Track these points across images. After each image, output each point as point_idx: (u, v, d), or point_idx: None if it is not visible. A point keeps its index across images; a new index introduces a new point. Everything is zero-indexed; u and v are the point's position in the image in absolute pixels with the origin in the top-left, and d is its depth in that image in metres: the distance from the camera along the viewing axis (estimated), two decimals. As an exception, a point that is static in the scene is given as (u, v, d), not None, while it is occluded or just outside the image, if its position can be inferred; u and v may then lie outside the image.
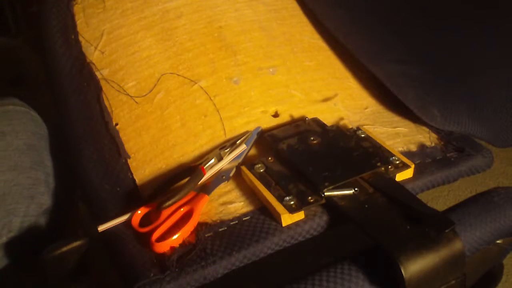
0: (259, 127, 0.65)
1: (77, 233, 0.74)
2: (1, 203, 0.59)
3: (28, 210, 0.61)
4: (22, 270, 0.61)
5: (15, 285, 0.61)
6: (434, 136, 0.66)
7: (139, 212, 0.55)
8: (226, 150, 0.61)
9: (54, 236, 0.65)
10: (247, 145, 0.62)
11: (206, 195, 0.56)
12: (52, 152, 0.68)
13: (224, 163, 0.59)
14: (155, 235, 0.52)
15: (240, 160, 0.60)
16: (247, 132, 0.65)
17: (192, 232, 0.53)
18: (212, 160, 0.59)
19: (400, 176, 0.58)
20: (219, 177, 0.59)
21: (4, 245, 0.59)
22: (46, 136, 0.69)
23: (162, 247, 0.51)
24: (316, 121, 0.66)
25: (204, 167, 0.58)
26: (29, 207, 0.61)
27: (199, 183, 0.57)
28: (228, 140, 0.64)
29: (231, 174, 0.59)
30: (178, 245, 0.52)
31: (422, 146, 0.64)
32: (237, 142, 0.62)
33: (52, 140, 0.69)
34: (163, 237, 0.52)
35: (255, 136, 0.64)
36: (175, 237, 0.51)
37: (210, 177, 0.58)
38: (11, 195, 0.60)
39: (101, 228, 0.54)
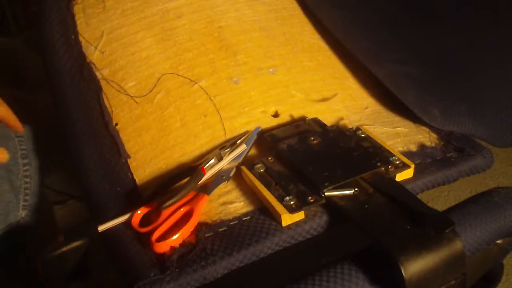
0: (259, 127, 0.65)
1: (58, 236, 0.74)
2: None
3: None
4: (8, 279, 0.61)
5: None
6: (434, 136, 0.66)
7: (139, 212, 0.55)
8: (226, 150, 0.61)
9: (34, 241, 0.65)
10: (247, 145, 0.62)
11: (206, 195, 0.56)
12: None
13: (224, 163, 0.59)
14: (155, 235, 0.52)
15: (240, 160, 0.60)
16: (247, 132, 0.65)
17: (192, 232, 0.53)
18: (212, 160, 0.59)
19: (400, 176, 0.58)
20: (219, 177, 0.59)
21: None
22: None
23: (162, 247, 0.51)
24: (316, 121, 0.66)
25: (204, 167, 0.58)
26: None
27: (199, 183, 0.57)
28: (228, 140, 0.64)
29: (231, 174, 0.59)
30: (178, 245, 0.52)
31: (422, 146, 0.64)
32: (237, 142, 0.62)
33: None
34: (163, 237, 0.52)
35: (255, 136, 0.64)
36: (175, 237, 0.51)
37: (210, 177, 0.58)
38: None
39: (101, 228, 0.54)
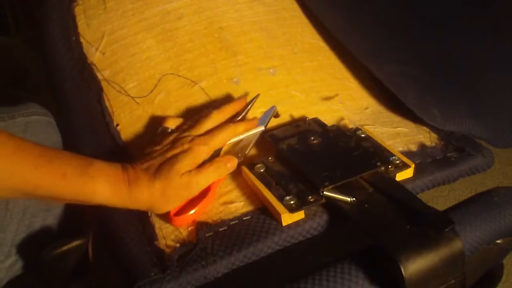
0: (274, 106, 0.66)
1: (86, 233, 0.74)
2: (20, 218, 0.59)
3: (45, 221, 0.62)
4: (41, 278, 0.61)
5: None
6: (434, 136, 0.66)
7: None
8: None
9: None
10: (262, 125, 0.64)
11: None
12: None
13: (238, 139, 0.62)
14: (174, 210, 0.53)
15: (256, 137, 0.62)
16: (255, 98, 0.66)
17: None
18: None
19: (400, 176, 0.59)
20: (235, 154, 0.60)
21: (24, 257, 0.59)
22: (60, 144, 0.69)
23: (180, 221, 0.53)
24: (316, 121, 0.66)
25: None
26: (46, 219, 0.62)
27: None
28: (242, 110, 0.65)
29: (246, 152, 0.61)
30: (196, 220, 0.53)
31: (422, 146, 0.64)
32: (251, 118, 0.64)
33: (64, 147, 0.69)
34: (181, 211, 0.53)
35: (270, 114, 0.66)
36: (192, 212, 0.53)
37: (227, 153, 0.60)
38: (30, 209, 0.60)
39: None
